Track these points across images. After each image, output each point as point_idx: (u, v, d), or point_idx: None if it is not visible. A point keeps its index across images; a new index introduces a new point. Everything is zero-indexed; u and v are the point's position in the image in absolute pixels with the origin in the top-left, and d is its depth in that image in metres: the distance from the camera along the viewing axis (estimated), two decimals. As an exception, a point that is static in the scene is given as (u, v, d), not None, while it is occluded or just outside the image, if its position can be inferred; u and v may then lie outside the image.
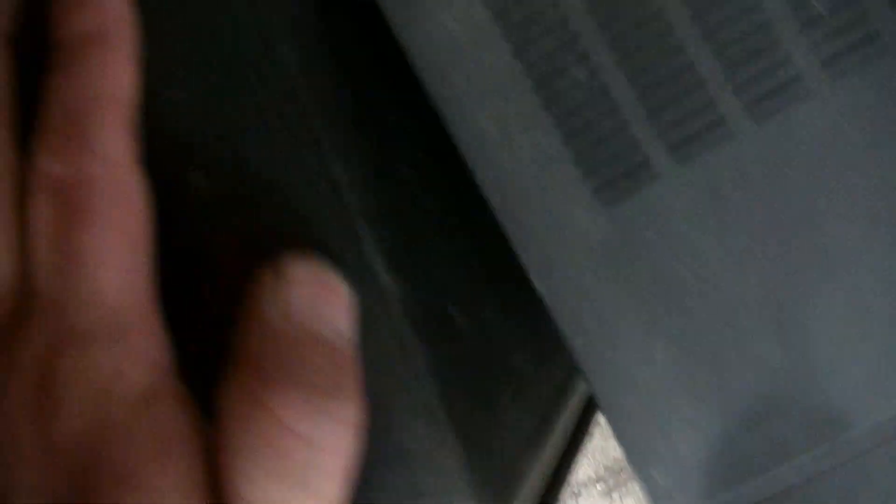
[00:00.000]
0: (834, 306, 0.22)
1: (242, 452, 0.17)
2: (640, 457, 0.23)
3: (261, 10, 0.21)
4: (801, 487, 0.23)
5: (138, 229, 0.18)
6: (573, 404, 0.27)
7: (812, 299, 0.22)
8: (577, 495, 0.81)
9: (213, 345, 0.19)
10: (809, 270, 0.22)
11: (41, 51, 0.19)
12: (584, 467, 0.81)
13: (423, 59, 0.22)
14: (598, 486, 0.81)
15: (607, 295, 0.22)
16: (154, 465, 0.17)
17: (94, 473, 0.16)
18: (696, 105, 0.21)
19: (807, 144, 0.21)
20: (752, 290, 0.22)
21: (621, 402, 0.23)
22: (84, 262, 0.17)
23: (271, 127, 0.21)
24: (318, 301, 0.18)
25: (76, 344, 0.17)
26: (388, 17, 0.22)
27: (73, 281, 0.17)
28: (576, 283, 0.22)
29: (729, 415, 0.22)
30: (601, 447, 0.80)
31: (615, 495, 0.81)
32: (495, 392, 0.25)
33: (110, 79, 0.18)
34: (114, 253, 0.18)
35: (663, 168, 0.22)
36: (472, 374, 0.23)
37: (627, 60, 0.21)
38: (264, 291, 0.18)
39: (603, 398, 0.23)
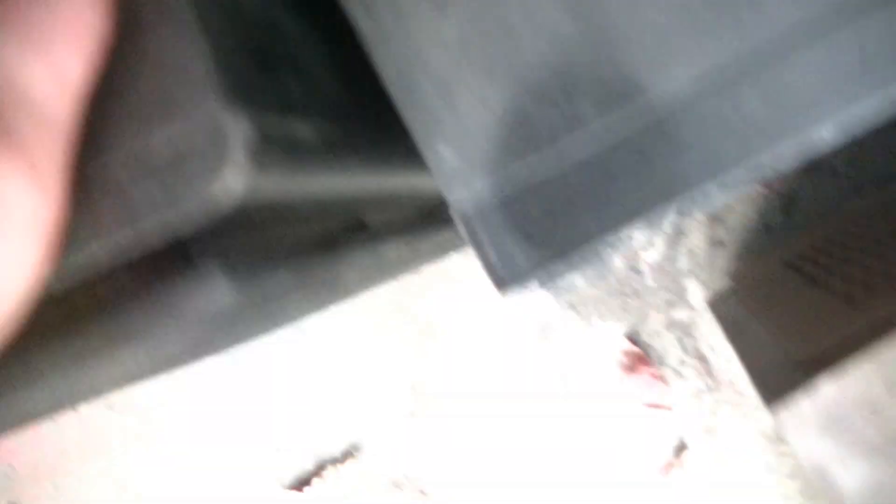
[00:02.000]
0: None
1: None
2: (427, 134, 0.22)
3: None
4: (596, 160, 0.22)
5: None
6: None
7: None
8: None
9: None
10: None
11: None
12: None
13: None
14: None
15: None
16: None
17: None
18: None
19: None
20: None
21: (410, 84, 0.22)
22: None
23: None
24: None
25: None
26: None
27: None
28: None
29: (519, 87, 0.22)
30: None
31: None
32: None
33: None
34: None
35: None
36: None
37: None
38: None
39: (392, 83, 0.22)
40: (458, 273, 0.79)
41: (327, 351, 0.80)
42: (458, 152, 0.22)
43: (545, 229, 0.22)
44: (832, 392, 0.36)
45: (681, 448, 0.80)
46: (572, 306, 0.79)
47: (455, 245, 0.74)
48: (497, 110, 0.22)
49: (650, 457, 0.81)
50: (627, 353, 0.79)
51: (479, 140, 0.22)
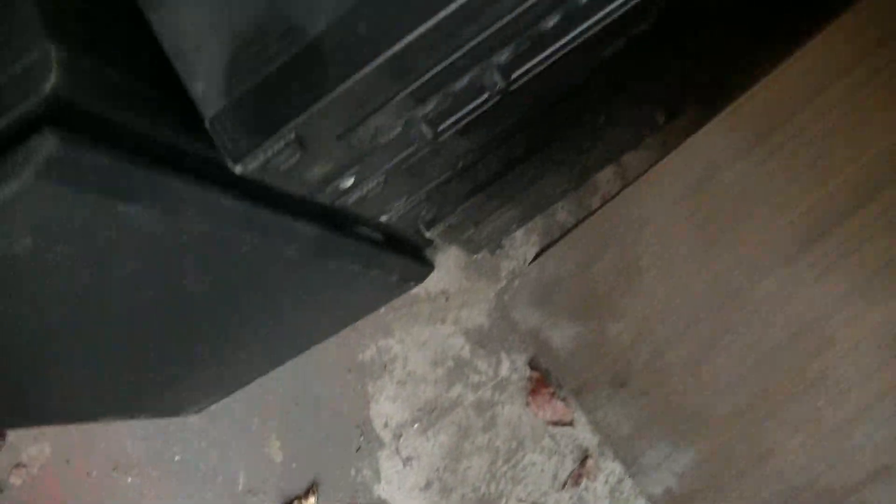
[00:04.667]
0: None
1: None
2: (188, 75, 0.38)
3: None
4: (280, 72, 0.38)
5: None
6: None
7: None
8: (398, 436, 0.97)
9: None
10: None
11: None
12: (401, 411, 0.97)
13: None
14: (415, 426, 0.97)
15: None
16: None
17: None
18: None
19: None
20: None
21: (177, 42, 0.39)
22: None
23: None
24: None
25: None
26: None
27: None
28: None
29: (235, 41, 0.38)
30: (412, 393, 0.96)
31: (430, 432, 0.97)
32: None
33: None
34: None
35: None
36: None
37: None
38: None
39: (165, 43, 0.39)
40: (382, 323, 0.98)
41: (281, 399, 0.98)
42: (206, 85, 0.39)
43: (259, 119, 0.38)
44: (536, 272, 0.54)
45: (584, 459, 0.95)
46: (481, 344, 0.97)
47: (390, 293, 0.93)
48: (224, 58, 0.38)
49: (559, 471, 0.96)
50: (531, 378, 0.96)
51: (217, 75, 0.38)
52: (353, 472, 0.97)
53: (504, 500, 0.96)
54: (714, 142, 0.50)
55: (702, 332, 0.50)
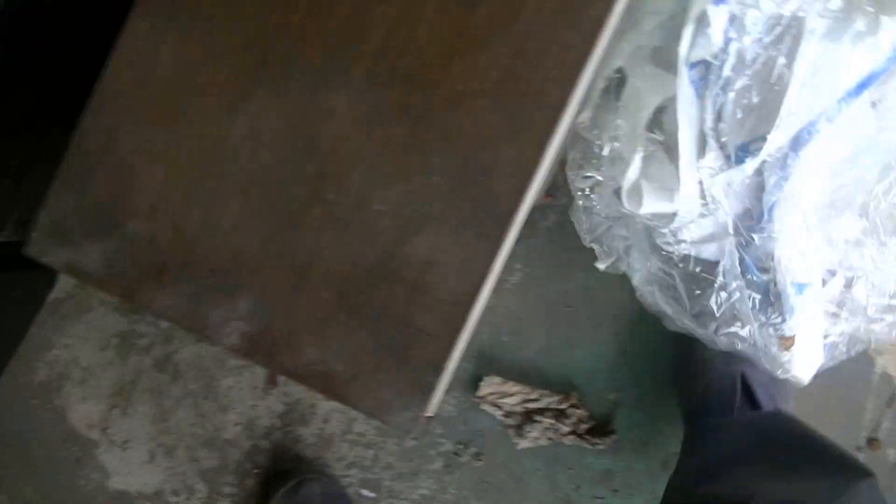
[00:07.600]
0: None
1: None
2: None
3: None
4: None
5: None
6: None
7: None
8: (105, 429, 0.98)
9: None
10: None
11: None
12: (95, 406, 0.98)
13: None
14: (114, 412, 0.98)
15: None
16: None
17: None
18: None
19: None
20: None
21: None
22: None
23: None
24: None
25: None
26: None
27: None
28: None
29: None
30: (96, 385, 0.97)
31: (129, 410, 0.98)
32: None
33: None
34: None
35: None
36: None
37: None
38: None
39: None
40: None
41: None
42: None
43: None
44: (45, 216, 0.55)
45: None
46: (132, 310, 0.98)
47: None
48: None
49: (254, 380, 0.97)
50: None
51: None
52: (83, 482, 0.99)
53: (223, 432, 0.98)
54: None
55: (203, 193, 0.54)
